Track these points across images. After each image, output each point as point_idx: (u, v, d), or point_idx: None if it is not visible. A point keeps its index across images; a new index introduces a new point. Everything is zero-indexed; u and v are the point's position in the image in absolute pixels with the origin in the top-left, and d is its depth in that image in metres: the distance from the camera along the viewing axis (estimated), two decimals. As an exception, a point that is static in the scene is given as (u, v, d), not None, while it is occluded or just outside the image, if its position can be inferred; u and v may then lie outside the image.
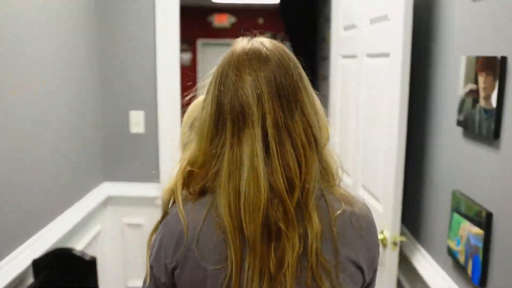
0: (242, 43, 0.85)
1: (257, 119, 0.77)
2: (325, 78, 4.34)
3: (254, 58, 0.81)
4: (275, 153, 0.76)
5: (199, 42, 9.33)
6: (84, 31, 2.30)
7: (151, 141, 2.57)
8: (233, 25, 9.21)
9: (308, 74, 0.87)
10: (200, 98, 0.90)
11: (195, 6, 9.01)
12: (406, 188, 1.76)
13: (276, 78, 0.79)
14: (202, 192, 0.83)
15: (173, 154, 2.56)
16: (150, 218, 2.59)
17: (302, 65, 0.86)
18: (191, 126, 0.90)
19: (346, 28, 2.38)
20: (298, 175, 0.77)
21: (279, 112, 0.77)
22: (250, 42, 0.85)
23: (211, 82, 0.84)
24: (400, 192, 1.71)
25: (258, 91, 0.77)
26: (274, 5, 7.61)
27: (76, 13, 2.19)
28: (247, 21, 9.20)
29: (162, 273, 0.83)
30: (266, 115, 0.77)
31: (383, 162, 1.81)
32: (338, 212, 0.80)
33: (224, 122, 0.79)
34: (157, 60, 2.50)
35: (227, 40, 9.25)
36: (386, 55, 1.78)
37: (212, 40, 9.36)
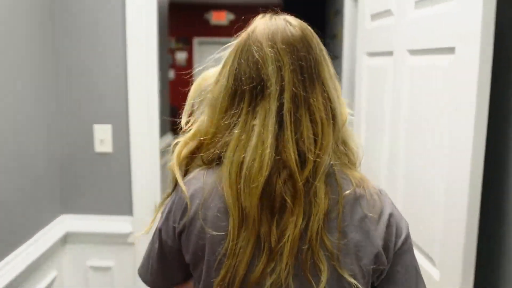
0: (264, 19, 0.84)
1: (275, 92, 0.76)
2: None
3: (277, 32, 0.80)
4: (290, 127, 0.75)
5: (196, 40, 8.81)
6: (31, 23, 1.72)
7: (121, 163, 2.00)
8: (232, 22, 8.66)
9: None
10: (210, 71, 0.90)
11: (191, 3, 8.46)
12: (480, 239, 1.19)
13: (299, 51, 0.78)
14: (213, 161, 0.83)
15: (149, 178, 2.00)
16: (120, 259, 2.03)
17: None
18: (200, 98, 0.89)
19: (376, 16, 1.81)
20: (313, 150, 0.75)
21: (299, 86, 0.77)
22: (273, 18, 0.84)
23: (229, 55, 0.84)
24: (473, 252, 1.15)
25: (279, 64, 0.77)
26: (275, 0, 7.06)
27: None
28: (246, 18, 8.64)
29: (170, 236, 0.86)
30: (285, 88, 0.76)
31: (443, 203, 1.24)
32: (347, 192, 0.78)
33: (242, 94, 0.79)
34: (128, 60, 1.93)
35: (225, 39, 8.71)
36: (448, 51, 1.22)
37: (209, 39, 8.82)
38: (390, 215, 0.81)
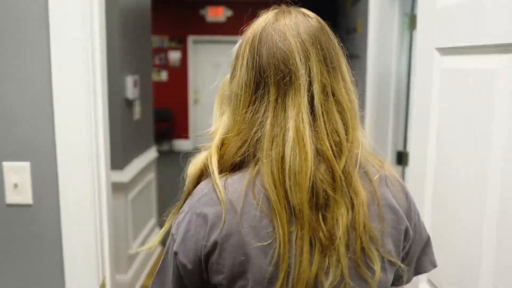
0: (278, 11, 0.80)
1: (304, 83, 0.74)
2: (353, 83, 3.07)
3: (297, 23, 0.77)
4: (322, 118, 0.74)
5: (190, 39, 8.12)
6: None
7: (47, 219, 1.29)
8: (230, 19, 7.96)
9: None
10: (228, 77, 0.84)
11: (185, -3, 7.77)
12: None
13: (321, 43, 0.76)
14: (236, 165, 0.77)
15: (91, 246, 1.29)
16: None
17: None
18: (222, 100, 0.85)
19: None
20: (346, 140, 0.74)
21: (326, 76, 0.75)
22: (287, 10, 0.80)
23: (244, 47, 0.79)
24: None
25: (306, 53, 0.75)
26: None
27: None
28: (245, 14, 7.94)
29: (191, 259, 0.76)
30: (314, 79, 0.74)
31: None
32: (376, 176, 0.78)
33: (267, 86, 0.75)
34: (53, 71, 1.21)
35: (222, 37, 8.11)
36: None
37: (205, 37, 8.14)
38: (407, 192, 0.83)
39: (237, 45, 0.82)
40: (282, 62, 0.74)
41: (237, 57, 0.80)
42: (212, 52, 8.14)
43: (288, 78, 0.74)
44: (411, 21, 2.34)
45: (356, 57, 2.94)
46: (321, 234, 0.71)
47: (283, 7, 0.81)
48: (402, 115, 2.45)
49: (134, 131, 3.04)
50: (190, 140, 8.24)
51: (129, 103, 2.90)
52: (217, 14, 7.94)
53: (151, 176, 3.53)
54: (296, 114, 0.72)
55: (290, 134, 0.72)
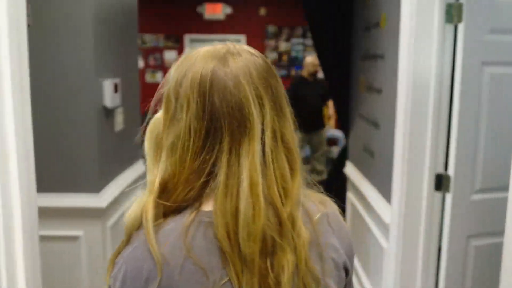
0: (207, 47, 0.79)
1: (258, 131, 0.73)
2: (377, 90, 2.60)
3: (248, 65, 0.75)
4: (272, 165, 0.74)
5: (187, 37, 7.66)
6: None
7: None
8: (229, 17, 7.49)
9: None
10: (160, 116, 0.81)
11: (181, -7, 7.31)
12: None
13: (272, 84, 0.76)
14: (180, 210, 0.75)
15: None
16: None
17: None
18: (156, 144, 0.80)
19: None
20: (291, 183, 0.76)
21: (276, 122, 0.76)
22: (229, 49, 0.77)
23: (190, 91, 0.74)
24: None
25: (261, 101, 0.74)
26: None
27: None
28: (246, 12, 7.50)
29: None
30: (267, 126, 0.74)
31: None
32: (318, 216, 0.80)
33: (219, 135, 0.73)
34: None
35: (221, 36, 7.65)
36: None
37: (202, 36, 7.68)
38: (347, 231, 0.85)
39: (170, 82, 0.77)
40: (238, 110, 0.73)
41: (176, 98, 0.75)
42: (210, 52, 7.67)
43: (243, 127, 0.73)
44: (457, 12, 1.87)
45: (380, 57, 2.47)
46: (270, 281, 0.72)
47: (228, 44, 0.79)
48: (443, 129, 1.97)
49: (114, 144, 2.56)
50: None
51: (108, 112, 2.42)
52: (216, 11, 7.47)
53: (139, 194, 3.06)
54: (250, 164, 0.72)
55: (245, 185, 0.71)
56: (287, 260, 0.73)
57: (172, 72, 0.77)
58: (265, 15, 7.52)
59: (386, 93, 2.35)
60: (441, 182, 2.01)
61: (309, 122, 5.57)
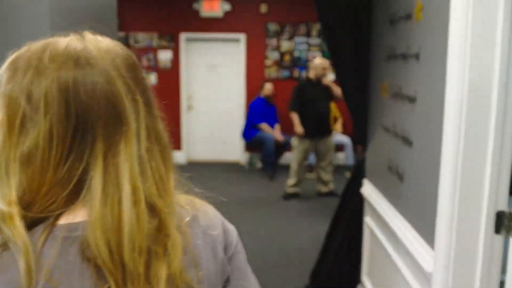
0: (81, 38, 0.70)
1: (135, 130, 0.67)
2: (409, 98, 2.12)
3: (115, 55, 0.68)
4: (149, 168, 0.68)
5: (183, 36, 7.19)
6: None
7: None
8: (227, 14, 7.02)
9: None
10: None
11: (175, -12, 6.82)
12: None
13: (138, 76, 0.70)
14: (34, 225, 0.65)
15: None
16: None
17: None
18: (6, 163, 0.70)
19: None
20: (168, 185, 0.71)
21: (149, 118, 0.70)
22: (91, 36, 0.71)
23: (45, 92, 0.64)
24: None
25: (133, 96, 0.67)
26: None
27: None
28: (245, 9, 7.02)
29: None
30: (141, 124, 0.68)
31: None
32: (188, 219, 0.75)
33: (89, 138, 0.65)
34: None
35: (219, 34, 7.17)
36: None
37: (199, 34, 7.21)
38: (223, 223, 0.81)
39: (7, 85, 0.66)
40: (112, 107, 0.65)
41: (29, 101, 0.64)
42: (207, 52, 7.20)
43: (118, 126, 0.66)
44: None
45: (412, 57, 1.98)
46: None
47: (78, 35, 0.71)
48: (508, 153, 1.49)
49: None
50: (183, 151, 7.31)
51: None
52: (213, 8, 6.99)
53: None
54: (130, 168, 0.66)
55: (126, 192, 0.65)
56: (161, 267, 0.68)
57: (12, 68, 0.67)
58: (266, 12, 7.03)
59: (423, 102, 1.87)
60: (502, 222, 1.53)
61: (316, 128, 5.13)
